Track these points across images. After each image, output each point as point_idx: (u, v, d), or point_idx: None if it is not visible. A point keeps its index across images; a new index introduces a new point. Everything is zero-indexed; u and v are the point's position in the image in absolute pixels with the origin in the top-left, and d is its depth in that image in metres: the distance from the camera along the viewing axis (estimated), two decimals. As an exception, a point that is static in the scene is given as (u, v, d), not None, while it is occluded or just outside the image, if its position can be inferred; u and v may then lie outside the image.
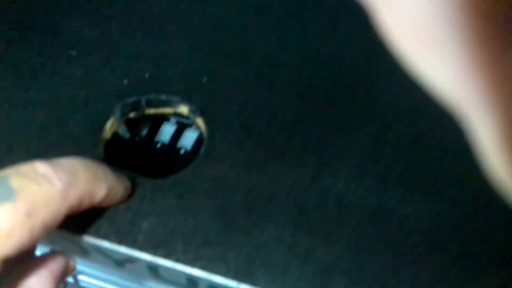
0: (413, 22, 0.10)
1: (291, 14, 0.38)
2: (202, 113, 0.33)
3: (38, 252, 0.27)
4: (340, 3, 0.39)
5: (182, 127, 0.35)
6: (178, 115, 0.35)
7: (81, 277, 0.46)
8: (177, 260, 0.26)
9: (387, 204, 0.29)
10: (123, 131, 0.32)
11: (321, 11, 0.38)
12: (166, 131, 0.35)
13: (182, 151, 0.35)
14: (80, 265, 0.42)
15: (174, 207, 0.28)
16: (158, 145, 0.35)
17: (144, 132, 0.35)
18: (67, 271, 0.26)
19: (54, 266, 0.25)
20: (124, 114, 0.33)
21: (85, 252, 0.29)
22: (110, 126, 0.32)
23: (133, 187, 0.28)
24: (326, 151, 0.31)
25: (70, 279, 0.46)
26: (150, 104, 0.34)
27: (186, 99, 0.33)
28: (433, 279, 0.27)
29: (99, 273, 0.44)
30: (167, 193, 0.28)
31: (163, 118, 0.36)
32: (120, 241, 0.26)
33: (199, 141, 0.35)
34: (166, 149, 0.35)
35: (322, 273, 0.26)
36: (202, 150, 0.31)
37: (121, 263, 0.28)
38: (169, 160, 0.35)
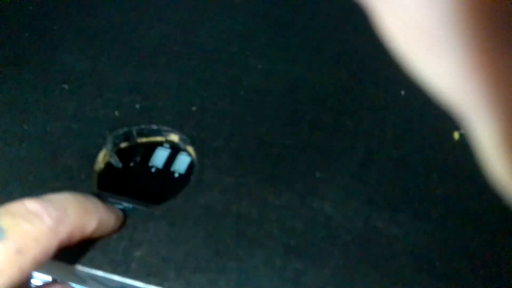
0: (412, 22, 0.10)
1: (276, 42, 0.40)
2: (192, 141, 0.34)
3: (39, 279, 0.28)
4: (324, 31, 0.40)
5: (176, 151, 0.36)
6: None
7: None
8: (170, 287, 0.27)
9: (374, 226, 0.30)
10: (116, 161, 0.33)
11: (306, 38, 0.40)
12: (160, 156, 0.36)
13: (176, 175, 0.35)
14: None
15: (166, 235, 0.28)
16: (153, 170, 0.36)
17: (138, 158, 0.36)
18: None
19: None
20: (115, 144, 0.33)
21: (82, 280, 0.29)
22: (102, 157, 0.33)
23: (125, 216, 0.29)
24: (314, 175, 0.32)
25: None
26: (141, 134, 0.35)
27: (177, 129, 0.34)
28: (422, 298, 0.28)
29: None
30: (159, 222, 0.29)
31: (157, 143, 0.37)
32: (113, 270, 0.27)
33: (192, 166, 0.36)
34: (161, 173, 0.36)
35: (312, 295, 0.27)
36: (192, 178, 0.32)
37: (116, 292, 0.29)
38: (164, 184, 0.35)
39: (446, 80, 0.10)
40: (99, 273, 0.27)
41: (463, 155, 0.34)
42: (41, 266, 0.22)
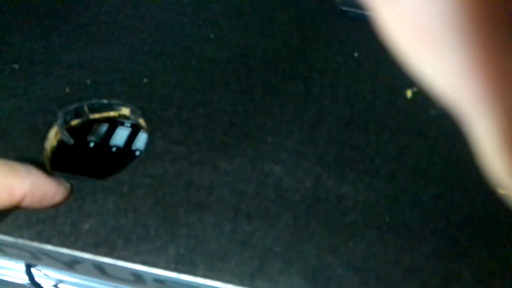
0: (413, 20, 0.10)
1: (228, 11, 0.39)
2: (144, 114, 0.34)
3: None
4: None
5: (137, 129, 0.36)
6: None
7: (60, 286, 0.46)
8: (118, 257, 0.27)
9: (324, 185, 0.30)
10: (67, 138, 0.33)
11: (258, 5, 0.39)
12: (120, 135, 0.36)
13: (137, 153, 0.35)
14: (60, 274, 0.43)
15: (114, 206, 0.28)
16: (113, 149, 0.36)
17: (99, 137, 0.36)
18: None
19: None
20: (66, 121, 0.33)
21: (35, 257, 0.30)
22: (54, 134, 0.33)
23: (73, 188, 0.29)
24: (265, 139, 0.32)
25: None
26: (92, 109, 0.34)
27: (128, 102, 0.34)
28: (371, 252, 0.28)
29: (79, 281, 0.44)
30: (108, 193, 0.29)
31: (117, 122, 0.36)
32: (62, 243, 0.27)
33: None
34: (121, 152, 0.36)
35: (260, 256, 0.27)
36: (142, 149, 0.32)
37: (69, 264, 0.29)
38: (124, 163, 0.35)
39: (446, 78, 0.10)
40: (49, 247, 0.27)
41: (415, 112, 0.34)
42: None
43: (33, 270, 0.39)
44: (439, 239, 0.29)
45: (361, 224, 0.29)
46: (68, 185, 0.28)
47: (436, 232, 0.29)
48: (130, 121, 0.36)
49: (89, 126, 0.36)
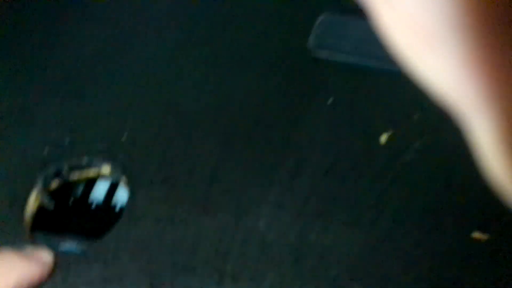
0: (412, 21, 0.10)
1: (204, 61, 0.40)
2: (124, 172, 0.34)
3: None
4: (249, 44, 0.40)
5: (116, 184, 0.36)
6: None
7: None
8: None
9: (307, 238, 0.31)
10: (47, 203, 0.33)
11: (233, 55, 0.40)
12: (100, 191, 0.36)
13: (117, 209, 0.35)
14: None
15: (99, 277, 0.28)
16: (93, 206, 0.36)
17: (78, 194, 0.36)
18: None
19: None
20: (46, 184, 0.33)
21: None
22: (34, 199, 0.33)
23: (57, 259, 0.29)
24: (247, 192, 0.33)
25: None
26: (72, 169, 0.34)
27: (108, 160, 0.34)
28: (356, 306, 0.29)
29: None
30: (92, 262, 0.29)
31: (91, 178, 0.36)
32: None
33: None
34: (101, 208, 0.35)
35: (248, 318, 0.27)
36: (124, 211, 0.32)
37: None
38: (104, 219, 0.35)
39: (446, 78, 0.10)
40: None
41: (390, 158, 0.35)
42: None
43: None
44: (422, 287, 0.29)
45: (346, 277, 0.29)
46: (50, 259, 0.28)
47: (418, 280, 0.30)
48: (111, 179, 0.36)
49: (69, 185, 0.36)
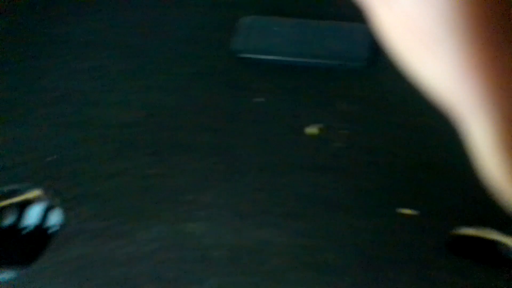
0: (410, 22, 0.10)
1: (128, 74, 0.39)
2: (54, 193, 0.33)
3: None
4: (175, 53, 0.40)
5: (49, 207, 0.35)
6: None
7: None
8: None
9: (244, 235, 0.31)
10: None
11: (157, 65, 0.40)
12: (33, 215, 0.35)
13: (50, 231, 0.34)
14: None
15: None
16: (24, 231, 0.34)
17: (9, 220, 0.35)
18: None
19: None
20: (-27, 216, 0.32)
21: None
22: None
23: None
24: (182, 199, 0.33)
25: None
26: (0, 197, 0.33)
27: (37, 183, 0.33)
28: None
29: None
30: (26, 288, 0.28)
31: (27, 202, 0.35)
32: None
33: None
34: (34, 233, 0.35)
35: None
36: (58, 231, 0.31)
37: None
38: (38, 244, 0.34)
39: (444, 79, 0.10)
40: None
41: (319, 147, 0.35)
42: None
43: None
44: (357, 272, 0.30)
45: (281, 268, 0.30)
46: None
47: (352, 260, 0.30)
48: (42, 203, 0.35)
49: None
